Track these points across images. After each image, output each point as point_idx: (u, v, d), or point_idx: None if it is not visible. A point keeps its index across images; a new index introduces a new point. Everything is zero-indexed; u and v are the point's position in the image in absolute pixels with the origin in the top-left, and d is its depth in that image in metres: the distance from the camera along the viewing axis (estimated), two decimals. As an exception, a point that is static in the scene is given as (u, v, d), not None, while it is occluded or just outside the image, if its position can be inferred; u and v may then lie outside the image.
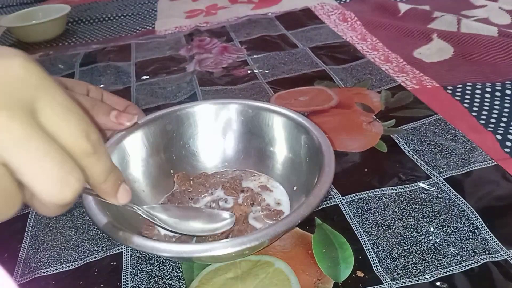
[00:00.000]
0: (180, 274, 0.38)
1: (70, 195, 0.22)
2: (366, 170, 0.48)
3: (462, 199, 0.42)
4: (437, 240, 0.38)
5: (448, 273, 0.36)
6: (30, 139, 0.21)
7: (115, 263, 0.40)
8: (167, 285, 0.37)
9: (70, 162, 0.23)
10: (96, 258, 0.41)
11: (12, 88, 0.21)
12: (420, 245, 0.38)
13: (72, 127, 0.23)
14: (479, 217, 0.40)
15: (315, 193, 0.35)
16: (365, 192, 0.44)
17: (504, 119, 0.54)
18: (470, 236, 0.39)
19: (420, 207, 0.42)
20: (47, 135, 0.22)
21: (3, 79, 0.21)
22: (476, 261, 0.36)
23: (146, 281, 0.38)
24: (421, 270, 0.36)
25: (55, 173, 0.22)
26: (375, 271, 0.36)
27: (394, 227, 0.40)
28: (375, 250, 0.38)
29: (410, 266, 0.36)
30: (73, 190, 0.22)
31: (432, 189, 0.44)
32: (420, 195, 0.43)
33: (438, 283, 0.35)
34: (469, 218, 0.40)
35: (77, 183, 0.23)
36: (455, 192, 0.43)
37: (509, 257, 0.36)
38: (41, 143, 0.21)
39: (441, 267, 0.36)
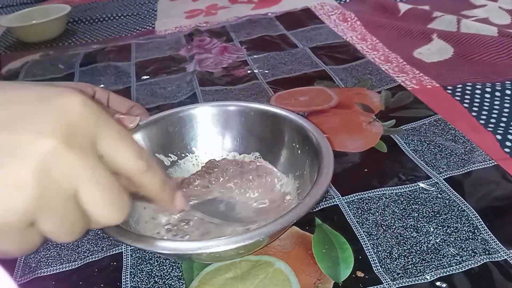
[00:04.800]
0: (180, 274, 0.38)
1: (123, 216, 0.26)
2: (366, 170, 0.48)
3: (462, 199, 0.42)
4: (437, 240, 0.38)
5: (448, 273, 0.36)
6: (97, 173, 0.24)
7: (115, 263, 0.40)
8: (167, 285, 0.37)
9: (121, 188, 0.26)
10: (96, 258, 0.41)
11: (78, 126, 0.24)
12: (420, 245, 0.38)
13: (128, 153, 0.26)
14: (479, 217, 0.40)
15: (312, 193, 0.35)
16: (365, 192, 0.44)
17: (504, 119, 0.54)
18: (470, 236, 0.39)
19: (420, 207, 0.42)
20: (106, 167, 0.25)
21: (69, 118, 0.23)
22: (476, 261, 0.36)
23: (146, 281, 0.38)
24: (421, 270, 0.36)
25: (114, 201, 0.25)
26: (375, 271, 0.36)
27: (394, 227, 0.40)
28: (375, 250, 0.38)
29: (410, 266, 0.37)
30: (126, 212, 0.26)
31: (432, 189, 0.44)
32: (420, 195, 0.43)
33: (438, 283, 0.35)
34: (469, 218, 0.40)
35: (128, 205, 0.26)
36: (455, 192, 0.43)
37: (509, 257, 0.36)
38: (104, 176, 0.25)
39: (441, 267, 0.36)
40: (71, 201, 0.24)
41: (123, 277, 0.38)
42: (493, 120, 0.54)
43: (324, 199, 0.44)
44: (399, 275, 0.36)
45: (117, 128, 0.26)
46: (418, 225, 0.40)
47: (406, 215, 0.41)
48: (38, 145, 0.22)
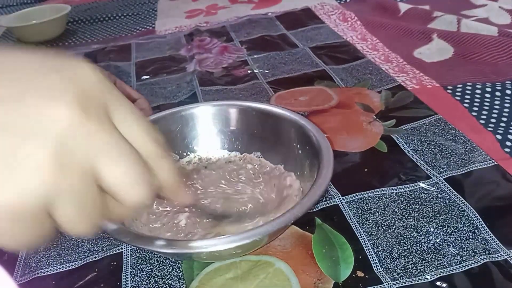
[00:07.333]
0: (180, 274, 0.38)
1: (147, 194, 0.23)
2: (366, 170, 0.48)
3: (462, 199, 0.42)
4: (437, 240, 0.38)
5: (448, 273, 0.36)
6: (116, 143, 0.22)
7: (115, 263, 0.40)
8: (167, 285, 0.37)
9: (144, 165, 0.23)
10: (96, 258, 0.41)
11: (91, 96, 0.22)
12: (420, 245, 0.38)
13: (146, 132, 0.24)
14: (479, 217, 0.40)
15: (311, 194, 0.35)
16: (365, 192, 0.44)
17: (504, 119, 0.54)
18: (470, 236, 0.39)
19: (420, 207, 0.42)
20: (125, 139, 0.23)
21: (82, 87, 0.21)
22: (476, 261, 0.36)
23: (146, 281, 0.38)
24: (421, 270, 0.36)
25: (137, 175, 0.22)
26: (375, 271, 0.36)
27: (394, 227, 0.40)
28: (375, 250, 0.38)
29: (410, 266, 0.36)
30: (150, 189, 0.23)
31: (432, 189, 0.44)
32: (420, 195, 0.43)
33: (438, 283, 0.35)
34: (469, 218, 0.40)
35: (152, 183, 0.24)
36: (455, 192, 0.43)
37: (509, 257, 0.36)
38: (127, 148, 0.22)
39: (441, 267, 0.36)
40: (91, 180, 0.21)
41: (123, 277, 0.38)
42: (493, 120, 0.54)
43: (324, 199, 0.44)
44: (399, 275, 0.36)
45: (130, 104, 0.24)
46: (418, 225, 0.40)
47: (406, 215, 0.41)
48: (52, 119, 0.20)
